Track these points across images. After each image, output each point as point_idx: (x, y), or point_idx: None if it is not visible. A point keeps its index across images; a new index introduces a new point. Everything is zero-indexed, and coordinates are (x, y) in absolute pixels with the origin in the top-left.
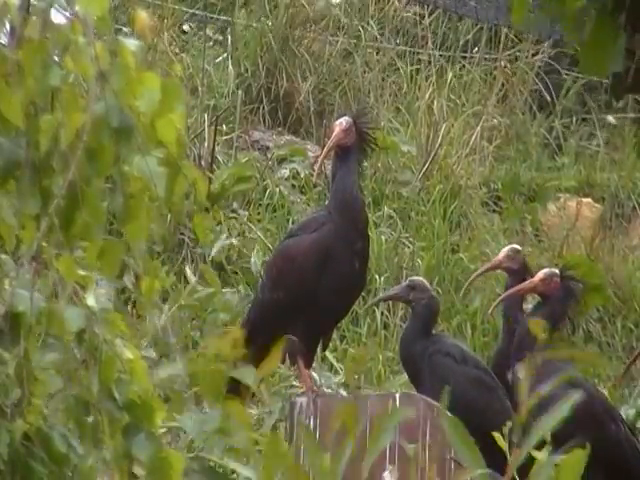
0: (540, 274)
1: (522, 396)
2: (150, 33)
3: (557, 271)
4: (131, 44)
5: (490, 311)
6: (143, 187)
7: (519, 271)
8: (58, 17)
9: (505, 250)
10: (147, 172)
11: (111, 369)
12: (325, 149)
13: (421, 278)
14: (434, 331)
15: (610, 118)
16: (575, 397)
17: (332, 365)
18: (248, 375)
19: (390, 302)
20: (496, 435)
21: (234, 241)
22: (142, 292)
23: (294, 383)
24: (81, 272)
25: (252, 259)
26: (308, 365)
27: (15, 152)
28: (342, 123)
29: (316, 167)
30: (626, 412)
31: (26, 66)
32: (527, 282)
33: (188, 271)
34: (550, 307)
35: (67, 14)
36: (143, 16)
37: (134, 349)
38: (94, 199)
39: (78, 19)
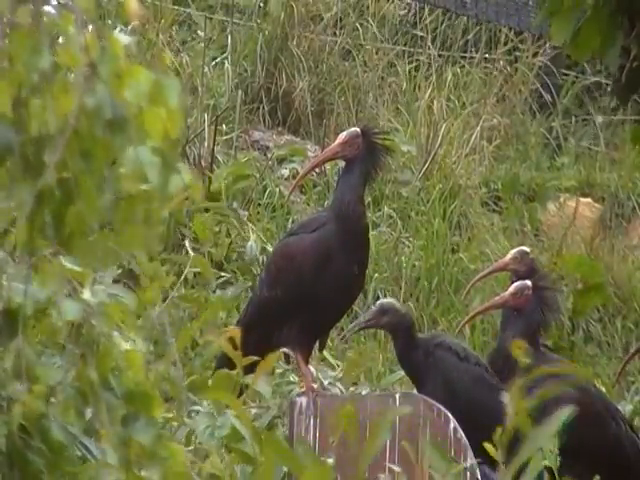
0: (511, 288)
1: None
2: (141, 21)
3: (529, 283)
4: (124, 38)
5: (459, 328)
6: (139, 190)
7: (526, 274)
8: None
9: (512, 252)
10: (138, 161)
11: (108, 361)
12: (309, 166)
13: (390, 300)
14: (433, 331)
15: (599, 118)
16: (568, 410)
17: (331, 365)
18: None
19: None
20: (487, 445)
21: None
22: (144, 298)
23: (291, 379)
24: (77, 268)
25: (249, 243)
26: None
27: (5, 139)
28: (341, 136)
29: (295, 183)
30: (624, 409)
31: (15, 53)
32: (498, 297)
33: (187, 244)
34: (524, 321)
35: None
36: (133, 3)
37: (131, 341)
38: (87, 195)
39: (67, 9)
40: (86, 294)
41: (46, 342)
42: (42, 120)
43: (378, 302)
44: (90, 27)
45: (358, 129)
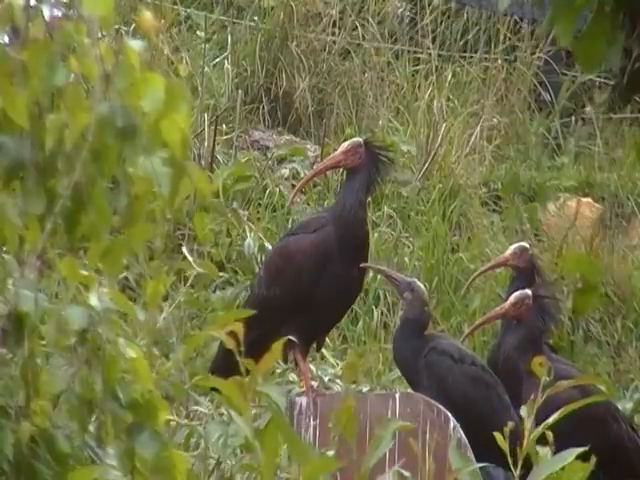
0: (511, 298)
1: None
2: (155, 33)
3: (529, 292)
4: (134, 44)
5: (463, 338)
6: (147, 188)
7: (526, 269)
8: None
9: (512, 248)
10: (152, 172)
11: (114, 369)
12: (310, 173)
13: (423, 289)
14: (432, 332)
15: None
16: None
17: (331, 364)
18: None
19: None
20: (497, 435)
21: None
22: (146, 293)
23: (291, 379)
24: (83, 272)
25: (247, 241)
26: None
27: (20, 152)
28: (344, 145)
29: (296, 190)
30: (623, 407)
31: (31, 66)
32: (498, 308)
33: (185, 251)
34: (525, 329)
35: (63, 11)
36: (148, 16)
37: (136, 348)
38: (99, 200)
39: (82, 19)
40: (93, 300)
41: (52, 345)
42: (58, 135)
43: (412, 279)
44: (104, 36)
45: (361, 139)
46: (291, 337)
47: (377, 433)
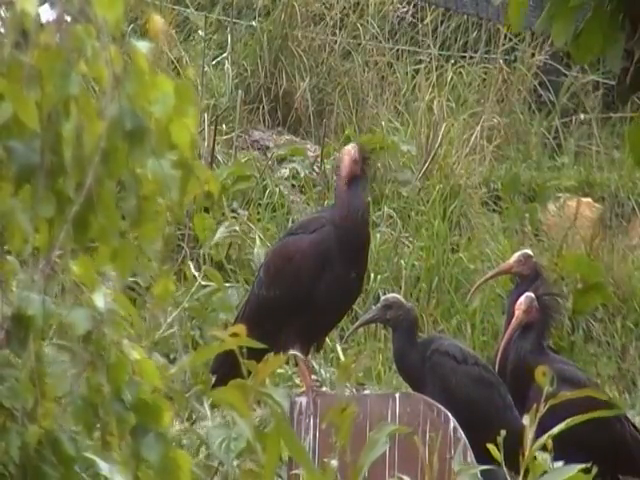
0: (522, 306)
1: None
2: (164, 37)
3: (533, 295)
4: (142, 46)
5: (495, 360)
6: (155, 189)
7: (530, 276)
8: (47, 15)
9: (516, 255)
10: (161, 175)
11: (121, 370)
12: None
13: (395, 295)
14: (432, 333)
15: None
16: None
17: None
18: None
19: None
20: (490, 447)
21: (237, 228)
22: (155, 294)
23: (297, 382)
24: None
25: (255, 250)
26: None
27: (30, 157)
28: (351, 151)
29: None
30: (633, 418)
31: (44, 73)
32: (514, 320)
33: (192, 267)
34: (536, 334)
35: (71, 14)
36: (158, 20)
37: (140, 349)
38: (108, 201)
39: (92, 23)
40: (98, 301)
41: (56, 345)
42: (75, 142)
43: (383, 297)
44: (114, 40)
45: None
46: (289, 340)
47: (372, 435)
